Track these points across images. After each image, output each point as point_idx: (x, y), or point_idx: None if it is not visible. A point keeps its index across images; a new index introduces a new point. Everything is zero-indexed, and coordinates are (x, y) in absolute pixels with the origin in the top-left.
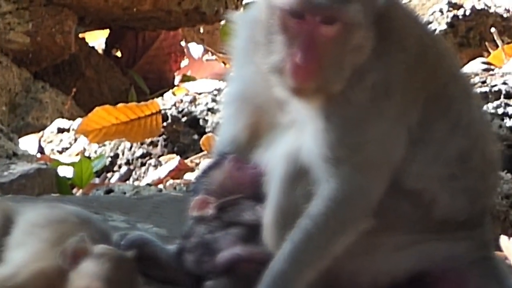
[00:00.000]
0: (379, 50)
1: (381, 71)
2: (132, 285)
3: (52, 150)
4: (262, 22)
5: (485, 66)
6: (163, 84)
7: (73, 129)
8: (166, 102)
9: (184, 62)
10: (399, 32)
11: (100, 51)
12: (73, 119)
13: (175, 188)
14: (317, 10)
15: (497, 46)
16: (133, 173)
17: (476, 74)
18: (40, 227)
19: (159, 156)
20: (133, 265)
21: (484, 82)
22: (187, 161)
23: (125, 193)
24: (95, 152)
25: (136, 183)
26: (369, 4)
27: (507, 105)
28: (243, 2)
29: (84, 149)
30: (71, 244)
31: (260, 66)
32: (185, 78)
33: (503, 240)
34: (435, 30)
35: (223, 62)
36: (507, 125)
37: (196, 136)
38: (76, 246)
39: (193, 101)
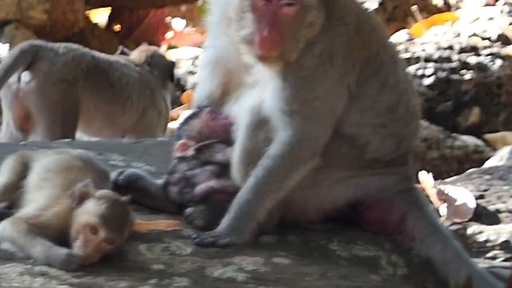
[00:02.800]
0: (325, 25)
1: (327, 41)
2: (125, 222)
3: None
4: (235, 2)
5: (408, 37)
6: None
7: None
8: None
9: (169, 34)
10: (341, 10)
11: (102, 26)
12: None
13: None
14: None
15: (417, 21)
16: None
17: (401, 43)
18: (52, 173)
19: None
20: (126, 206)
21: (407, 49)
22: (172, 112)
23: None
24: None
25: None
26: None
27: (425, 67)
28: None
29: None
30: (78, 188)
31: (232, 37)
32: (170, 47)
33: (422, 175)
34: (368, 8)
35: (201, 33)
36: (425, 83)
37: (179, 93)
38: (82, 190)
39: (176, 64)
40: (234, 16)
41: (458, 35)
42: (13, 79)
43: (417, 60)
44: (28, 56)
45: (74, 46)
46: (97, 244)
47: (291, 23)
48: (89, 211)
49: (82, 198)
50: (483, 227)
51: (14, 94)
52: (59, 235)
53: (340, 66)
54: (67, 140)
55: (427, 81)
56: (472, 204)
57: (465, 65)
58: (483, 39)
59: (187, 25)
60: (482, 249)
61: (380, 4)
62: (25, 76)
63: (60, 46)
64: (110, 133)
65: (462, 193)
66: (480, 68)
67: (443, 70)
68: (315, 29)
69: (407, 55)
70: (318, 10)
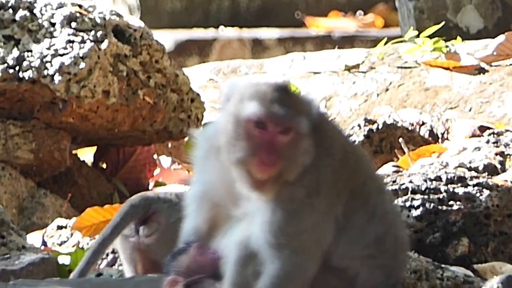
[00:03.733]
0: (313, 155)
1: (314, 173)
2: None
3: (53, 243)
4: (227, 130)
5: (395, 169)
6: (140, 189)
7: (69, 226)
8: None
9: (156, 171)
10: (328, 140)
11: (89, 164)
12: (69, 218)
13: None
14: (277, 123)
15: (404, 153)
16: (118, 259)
17: (388, 175)
18: None
19: None
20: None
21: (394, 181)
22: None
23: (112, 276)
24: (88, 244)
25: (120, 267)
26: (309, 117)
27: (413, 199)
28: (202, 123)
29: (79, 242)
30: None
31: (225, 164)
32: (158, 184)
33: None
34: (355, 140)
35: (187, 170)
36: (413, 215)
37: None
38: None
39: None
40: (226, 144)
41: (445, 166)
42: (128, 232)
43: (404, 191)
44: (140, 210)
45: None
46: None
47: (287, 150)
48: None
49: None
50: None
51: (135, 248)
52: None
53: (327, 198)
54: (55, 278)
55: (415, 213)
56: None
57: (452, 196)
58: (470, 169)
59: (173, 162)
60: None
61: (367, 137)
62: (144, 230)
63: (172, 195)
64: None
65: None
66: (468, 198)
67: (431, 201)
68: (309, 158)
69: (394, 187)
70: (310, 139)
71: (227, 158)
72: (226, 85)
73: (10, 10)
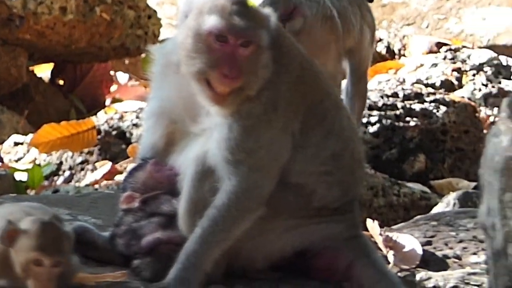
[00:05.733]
0: (272, 71)
1: (271, 89)
2: (61, 239)
3: (10, 159)
4: (188, 44)
5: None
6: (97, 105)
7: (26, 143)
8: (100, 119)
9: (113, 88)
10: (285, 57)
11: (46, 80)
12: (26, 135)
13: (108, 187)
14: (238, 35)
15: None
16: (75, 176)
17: None
18: None
19: (95, 162)
20: (54, 222)
21: None
22: (117, 166)
23: (68, 192)
24: (44, 160)
25: (77, 184)
26: (268, 31)
27: (370, 115)
28: (159, 39)
29: (35, 158)
30: (2, 230)
31: (184, 79)
32: (114, 100)
33: (369, 222)
34: None
35: (144, 87)
36: (370, 131)
37: (124, 146)
38: (7, 229)
39: (121, 118)
40: (186, 57)
41: (402, 82)
42: None
43: None
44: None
45: None
46: (48, 273)
47: (248, 63)
48: (24, 247)
49: (11, 237)
50: (430, 273)
51: None
52: (7, 279)
53: (284, 115)
54: (12, 194)
55: (372, 129)
56: (419, 250)
57: (409, 112)
58: (427, 86)
59: (130, 79)
60: None
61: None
62: (291, 26)
63: None
64: None
65: (409, 239)
66: (425, 115)
67: (388, 117)
68: (268, 72)
69: None
70: (269, 53)
71: (187, 72)
72: (184, 1)
73: None
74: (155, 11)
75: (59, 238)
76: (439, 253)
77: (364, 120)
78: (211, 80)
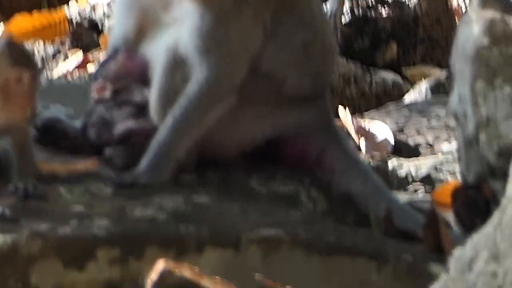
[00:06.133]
0: None
1: None
2: (28, 52)
3: None
4: None
5: None
6: None
7: None
8: (72, 10)
9: None
10: None
11: None
12: None
13: (80, 78)
14: None
15: None
16: (47, 66)
17: None
18: None
19: (67, 53)
20: (12, 40)
21: None
22: (89, 55)
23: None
24: None
25: (49, 74)
26: None
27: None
28: None
29: None
30: None
31: None
32: None
33: (341, 110)
34: None
35: None
36: (342, 21)
37: (96, 36)
38: None
39: (92, 8)
40: None
41: None
42: None
43: None
44: None
45: None
46: (28, 89)
47: None
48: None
49: None
50: (402, 160)
51: None
52: None
53: (254, 4)
54: None
55: (344, 19)
56: (391, 138)
57: (381, 2)
58: None
59: None
60: (402, 183)
61: None
62: None
63: None
64: None
65: (381, 128)
66: (396, 4)
67: (360, 7)
68: None
69: None
70: None
71: None
72: None
73: None
74: None
75: (28, 53)
76: (411, 141)
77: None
78: None
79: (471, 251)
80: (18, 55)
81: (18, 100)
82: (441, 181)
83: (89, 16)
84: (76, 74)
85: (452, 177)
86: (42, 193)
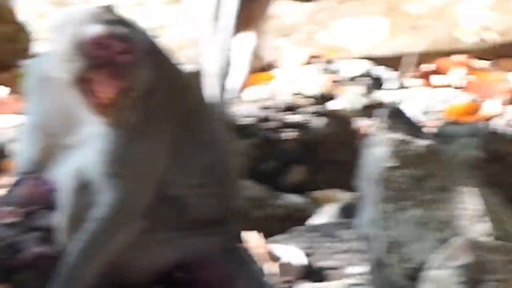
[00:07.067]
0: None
1: (146, 99)
2: None
3: None
4: (66, 55)
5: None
6: None
7: None
8: None
9: None
10: (160, 67)
11: None
12: None
13: None
14: (117, 41)
15: None
16: None
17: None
18: None
19: None
20: None
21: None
22: None
23: None
24: None
25: None
26: (144, 41)
27: (244, 128)
28: (31, 53)
29: None
30: None
31: (60, 91)
32: None
33: (247, 234)
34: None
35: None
36: (247, 143)
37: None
38: None
39: None
40: (66, 66)
41: (277, 94)
42: None
43: (238, 119)
44: None
45: None
46: None
47: (127, 70)
48: None
49: None
50: (311, 284)
51: None
52: None
53: (157, 126)
54: None
55: (249, 141)
56: (299, 261)
57: (285, 124)
58: (303, 97)
59: (9, 93)
60: None
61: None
62: None
63: None
64: None
65: (289, 251)
66: (301, 126)
67: (264, 129)
68: (149, 77)
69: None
70: (146, 62)
71: (67, 77)
72: (57, 15)
73: None
74: (26, 25)
75: None
76: (318, 264)
77: (241, 132)
78: (94, 82)
79: None
80: None
81: None
82: None
83: None
84: None
85: None
86: None
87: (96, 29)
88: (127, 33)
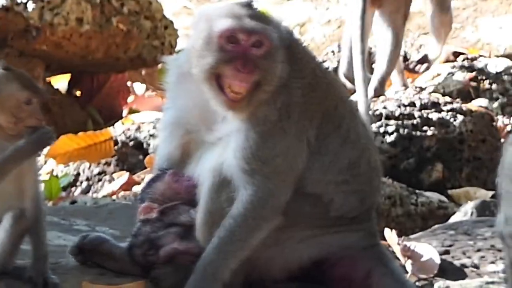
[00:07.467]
0: (285, 76)
1: (285, 94)
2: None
3: None
4: (201, 49)
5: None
6: (114, 116)
7: (43, 154)
8: (117, 130)
9: (130, 98)
10: (298, 63)
11: (63, 92)
12: None
13: (125, 198)
14: (249, 34)
15: None
16: (92, 187)
17: None
18: None
19: (112, 173)
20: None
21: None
22: (135, 176)
23: (86, 203)
24: (62, 171)
25: (94, 195)
26: (280, 35)
27: (386, 125)
28: (175, 50)
29: (53, 170)
30: None
31: (198, 88)
32: (131, 111)
33: (387, 232)
34: (329, 66)
35: (161, 97)
36: (387, 140)
37: (141, 157)
38: None
39: (138, 128)
40: (199, 62)
41: (419, 91)
42: None
43: (378, 117)
44: None
45: None
46: (37, 109)
47: (261, 63)
48: (7, 94)
49: None
50: (448, 282)
51: None
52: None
53: (298, 122)
54: None
55: (389, 139)
56: (437, 259)
57: (426, 122)
58: (444, 95)
59: (147, 89)
60: None
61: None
62: None
63: None
64: None
65: (427, 249)
66: (442, 124)
67: (405, 127)
68: (283, 72)
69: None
70: (281, 55)
71: (199, 73)
72: (198, 11)
73: None
74: (171, 22)
75: (29, 77)
76: (457, 262)
77: (381, 129)
78: (224, 77)
79: None
80: (24, 77)
81: (31, 118)
82: None
83: (135, 136)
84: (122, 195)
85: None
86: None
87: (227, 23)
88: (260, 27)
